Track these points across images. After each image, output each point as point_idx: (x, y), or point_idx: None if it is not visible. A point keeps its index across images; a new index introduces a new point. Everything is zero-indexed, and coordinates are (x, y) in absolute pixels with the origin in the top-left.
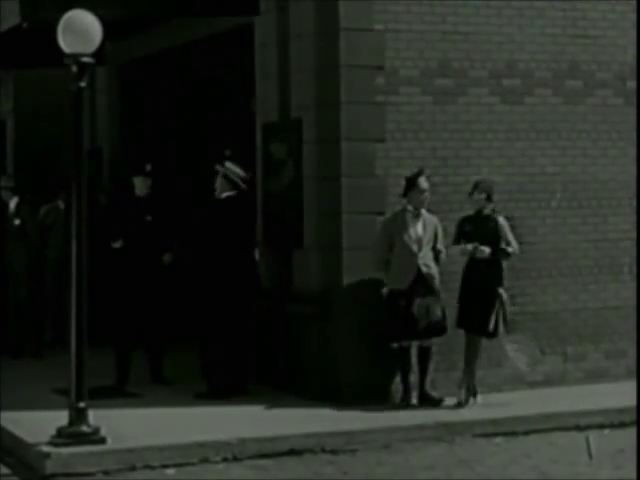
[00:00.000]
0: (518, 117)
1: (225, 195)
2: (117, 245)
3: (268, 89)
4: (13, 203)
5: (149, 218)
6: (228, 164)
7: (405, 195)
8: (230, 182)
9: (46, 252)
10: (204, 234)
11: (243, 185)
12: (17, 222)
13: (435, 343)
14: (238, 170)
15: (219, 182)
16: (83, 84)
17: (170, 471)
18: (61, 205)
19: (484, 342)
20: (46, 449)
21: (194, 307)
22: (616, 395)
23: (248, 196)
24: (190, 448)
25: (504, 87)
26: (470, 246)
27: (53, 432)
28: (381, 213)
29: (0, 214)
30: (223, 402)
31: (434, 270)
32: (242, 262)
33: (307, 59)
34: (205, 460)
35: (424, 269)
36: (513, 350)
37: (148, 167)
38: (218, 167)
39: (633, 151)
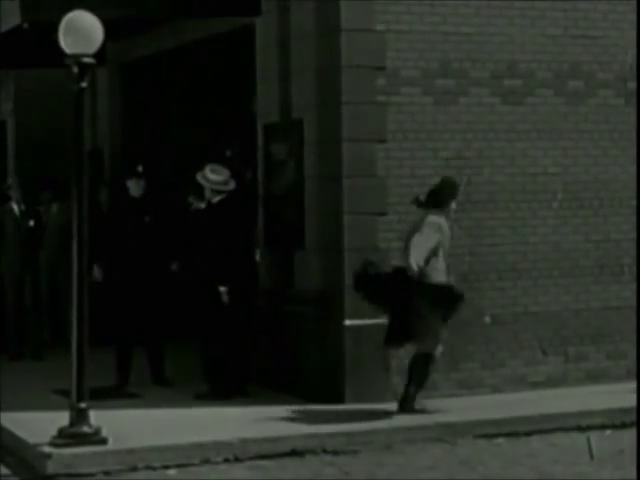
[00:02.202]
0: (519, 117)
1: (217, 199)
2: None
3: (269, 90)
4: (16, 205)
5: (147, 219)
6: (207, 173)
7: (444, 203)
8: (213, 190)
9: (41, 253)
10: (201, 237)
11: (228, 187)
12: (31, 223)
13: None
14: (214, 177)
15: (207, 191)
16: (84, 84)
17: (171, 472)
18: (54, 207)
19: (483, 343)
20: (47, 449)
21: (194, 307)
22: (617, 395)
23: (241, 197)
24: (191, 449)
25: (505, 87)
26: None
27: (54, 432)
28: (382, 214)
29: None
30: (224, 403)
31: None
32: (242, 262)
33: (308, 59)
34: (206, 461)
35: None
36: None
37: (139, 168)
38: (199, 178)
39: (634, 151)
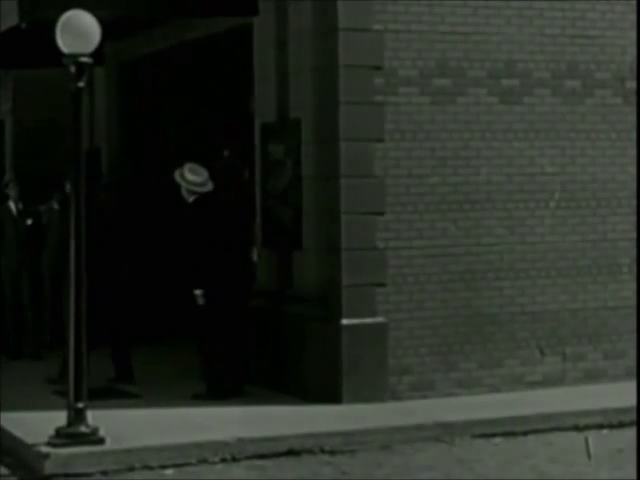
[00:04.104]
0: (517, 117)
1: (192, 199)
2: None
3: (267, 89)
4: (13, 204)
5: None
6: (185, 172)
7: None
8: (189, 190)
9: (42, 252)
10: (178, 237)
11: (204, 189)
12: (29, 222)
13: (434, 343)
14: (192, 177)
15: (183, 190)
16: (82, 84)
17: (168, 471)
18: (55, 205)
19: (481, 342)
20: (45, 449)
21: (192, 308)
22: (615, 395)
23: (220, 196)
24: (188, 448)
25: (503, 87)
26: None
27: (52, 432)
28: (380, 213)
29: None
30: (221, 402)
31: None
32: (236, 262)
33: (306, 59)
34: (203, 460)
35: None
36: None
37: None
38: (176, 177)
39: (632, 151)
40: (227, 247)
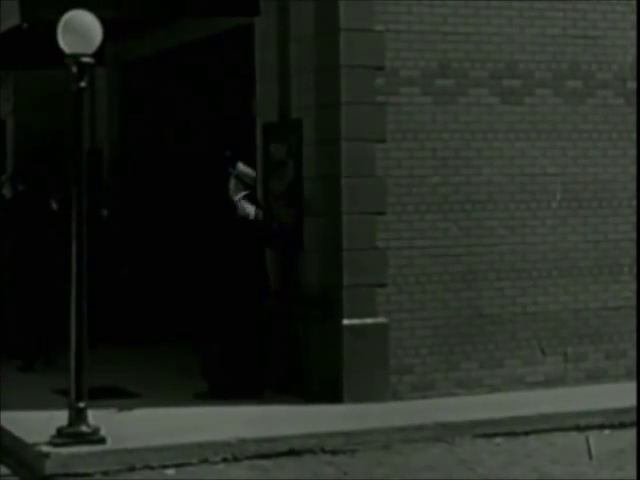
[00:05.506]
0: (518, 117)
1: (238, 197)
2: None
3: (268, 89)
4: None
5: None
6: (240, 166)
7: None
8: (242, 183)
9: None
10: (221, 234)
11: (252, 181)
12: None
13: (435, 344)
14: (249, 171)
15: (232, 183)
16: (83, 84)
17: (170, 471)
18: (54, 205)
19: (482, 342)
20: (46, 449)
21: (194, 307)
22: (616, 395)
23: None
24: (190, 448)
25: (504, 87)
26: None
27: (53, 432)
28: (381, 213)
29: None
30: (223, 402)
31: None
32: (250, 261)
33: (307, 59)
34: (205, 460)
35: None
36: None
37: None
38: (230, 169)
39: (633, 152)
40: (250, 246)
